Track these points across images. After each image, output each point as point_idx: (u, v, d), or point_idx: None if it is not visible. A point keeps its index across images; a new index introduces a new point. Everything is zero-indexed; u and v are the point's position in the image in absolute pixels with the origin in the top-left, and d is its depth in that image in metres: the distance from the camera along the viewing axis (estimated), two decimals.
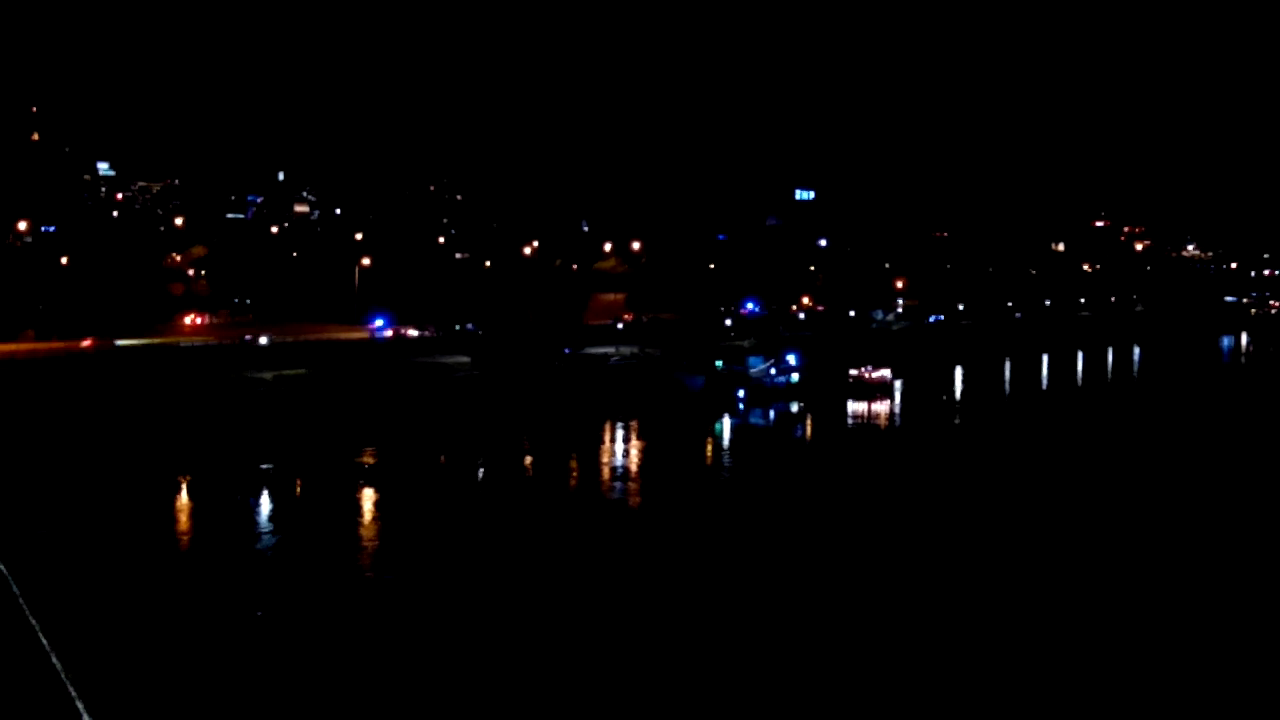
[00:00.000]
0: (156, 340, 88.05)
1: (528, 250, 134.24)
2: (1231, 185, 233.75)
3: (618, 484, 55.98)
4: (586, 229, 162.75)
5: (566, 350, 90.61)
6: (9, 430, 56.47)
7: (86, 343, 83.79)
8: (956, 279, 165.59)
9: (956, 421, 79.42)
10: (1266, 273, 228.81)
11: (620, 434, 70.54)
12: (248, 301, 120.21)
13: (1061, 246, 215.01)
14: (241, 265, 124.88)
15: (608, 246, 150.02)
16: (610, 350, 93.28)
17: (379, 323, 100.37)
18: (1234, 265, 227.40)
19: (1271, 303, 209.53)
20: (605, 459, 63.06)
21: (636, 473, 58.94)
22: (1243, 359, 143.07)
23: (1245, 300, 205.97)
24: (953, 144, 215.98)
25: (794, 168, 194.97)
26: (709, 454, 66.28)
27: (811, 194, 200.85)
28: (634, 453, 65.50)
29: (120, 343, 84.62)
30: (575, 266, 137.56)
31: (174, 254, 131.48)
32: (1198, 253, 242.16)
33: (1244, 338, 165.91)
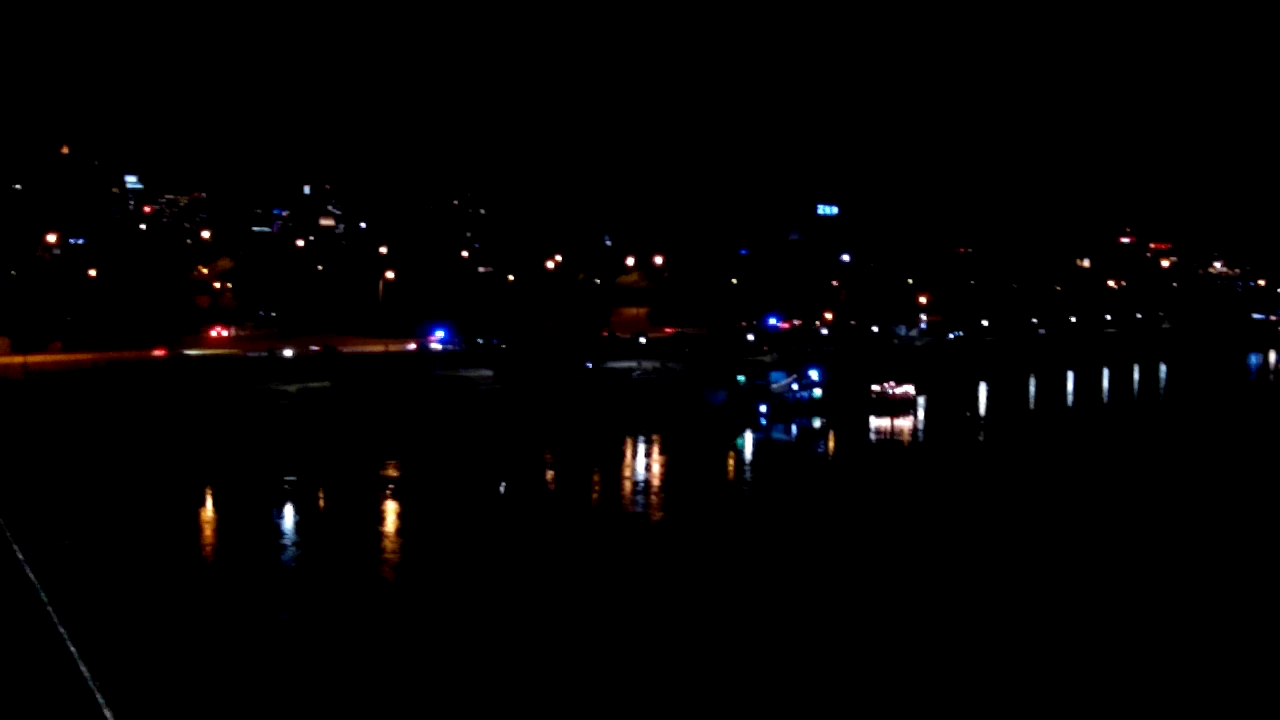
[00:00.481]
0: (203, 351, 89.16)
1: (551, 264, 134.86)
2: (1258, 202, 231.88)
3: (639, 498, 55.90)
4: (609, 243, 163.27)
5: (589, 364, 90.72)
6: (34, 440, 57.29)
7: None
8: (980, 294, 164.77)
9: (980, 438, 78.92)
10: None
11: (642, 448, 70.39)
12: (273, 314, 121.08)
13: (1087, 263, 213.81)
14: (267, 278, 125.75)
15: (630, 261, 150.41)
16: (633, 364, 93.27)
17: (439, 334, 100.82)
18: (1261, 282, 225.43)
19: None
20: (627, 473, 62.88)
21: (658, 487, 58.87)
22: (1271, 377, 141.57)
23: (1273, 317, 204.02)
24: (977, 159, 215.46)
25: (817, 183, 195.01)
26: (730, 469, 66.06)
27: (835, 209, 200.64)
28: (655, 467, 65.33)
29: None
30: (598, 281, 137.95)
31: (200, 267, 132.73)
32: (1224, 270, 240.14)
33: (1272, 355, 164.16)
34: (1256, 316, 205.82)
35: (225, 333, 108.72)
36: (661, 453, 69.01)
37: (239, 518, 48.72)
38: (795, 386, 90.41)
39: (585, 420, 75.29)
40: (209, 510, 50.51)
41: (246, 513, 49.31)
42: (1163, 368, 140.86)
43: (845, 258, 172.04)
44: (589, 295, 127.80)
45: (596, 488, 58.20)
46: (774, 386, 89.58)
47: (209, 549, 44.78)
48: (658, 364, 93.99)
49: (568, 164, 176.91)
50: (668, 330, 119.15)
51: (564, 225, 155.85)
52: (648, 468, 65.42)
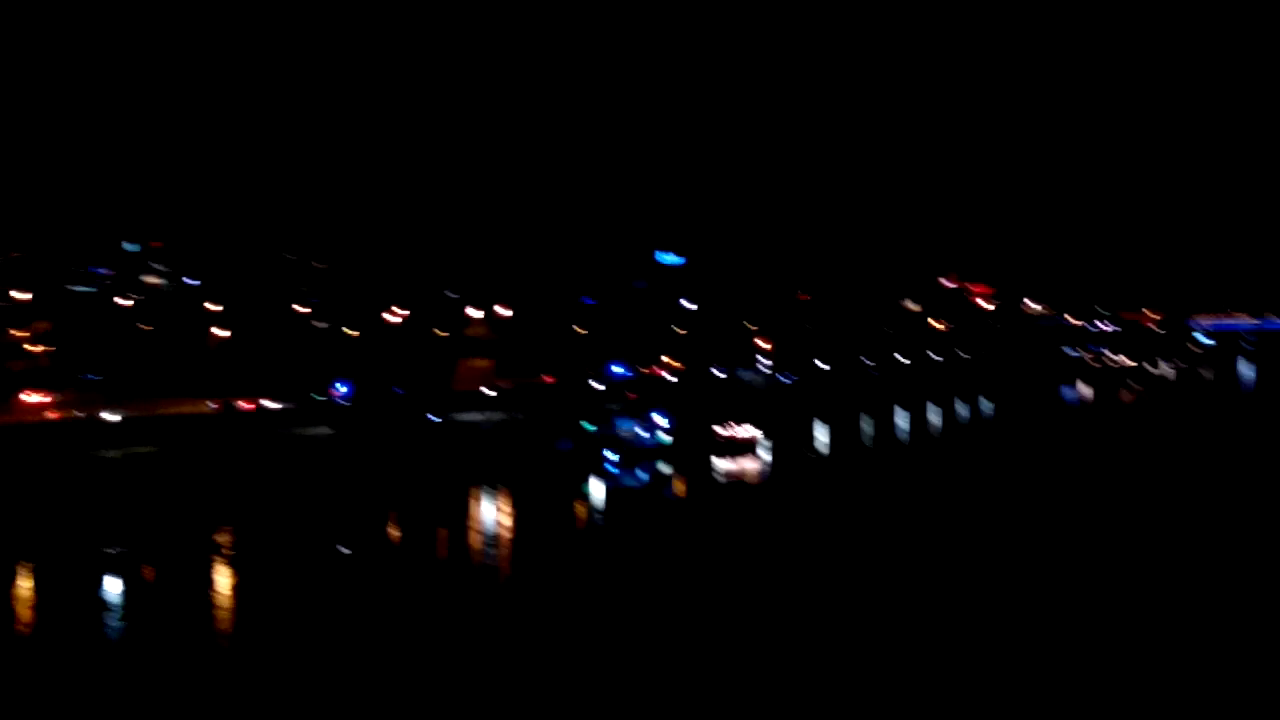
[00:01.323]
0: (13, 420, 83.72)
1: (393, 318, 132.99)
2: (1069, 246, 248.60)
3: (488, 550, 55.36)
4: (453, 296, 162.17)
5: (434, 417, 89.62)
6: None
7: None
8: (815, 337, 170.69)
9: (821, 474, 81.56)
10: (1102, 327, 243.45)
11: (488, 500, 69.74)
12: (97, 377, 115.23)
13: (915, 305, 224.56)
14: (89, 339, 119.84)
15: (475, 313, 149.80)
16: (479, 415, 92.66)
17: (342, 389, 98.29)
18: (1073, 320, 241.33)
19: (1106, 355, 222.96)
20: (473, 525, 62.68)
21: (507, 539, 58.47)
22: (1084, 406, 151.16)
23: (1082, 352, 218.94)
24: (813, 209, 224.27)
25: (661, 231, 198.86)
26: (579, 516, 66.20)
27: (680, 259, 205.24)
28: (503, 518, 64.90)
29: None
30: (443, 333, 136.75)
31: (14, 330, 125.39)
32: (1040, 309, 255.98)
33: (1081, 387, 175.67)
34: (1069, 351, 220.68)
35: (42, 398, 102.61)
36: (508, 503, 69.13)
37: (57, 592, 46.12)
38: (641, 432, 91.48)
39: (429, 473, 74.61)
40: (23, 586, 47.48)
41: (65, 587, 46.78)
42: (983, 401, 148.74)
43: (688, 304, 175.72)
44: (433, 348, 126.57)
45: (441, 541, 57.55)
46: (620, 433, 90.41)
47: (24, 626, 42.06)
48: (504, 415, 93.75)
49: (408, 217, 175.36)
50: (512, 381, 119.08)
51: (405, 279, 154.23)
52: (495, 519, 65.23)
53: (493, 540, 57.72)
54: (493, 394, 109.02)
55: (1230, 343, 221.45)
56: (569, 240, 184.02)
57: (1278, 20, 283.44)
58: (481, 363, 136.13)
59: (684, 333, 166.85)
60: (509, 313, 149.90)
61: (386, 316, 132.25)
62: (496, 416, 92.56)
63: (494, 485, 72.42)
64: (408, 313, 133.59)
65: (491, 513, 66.69)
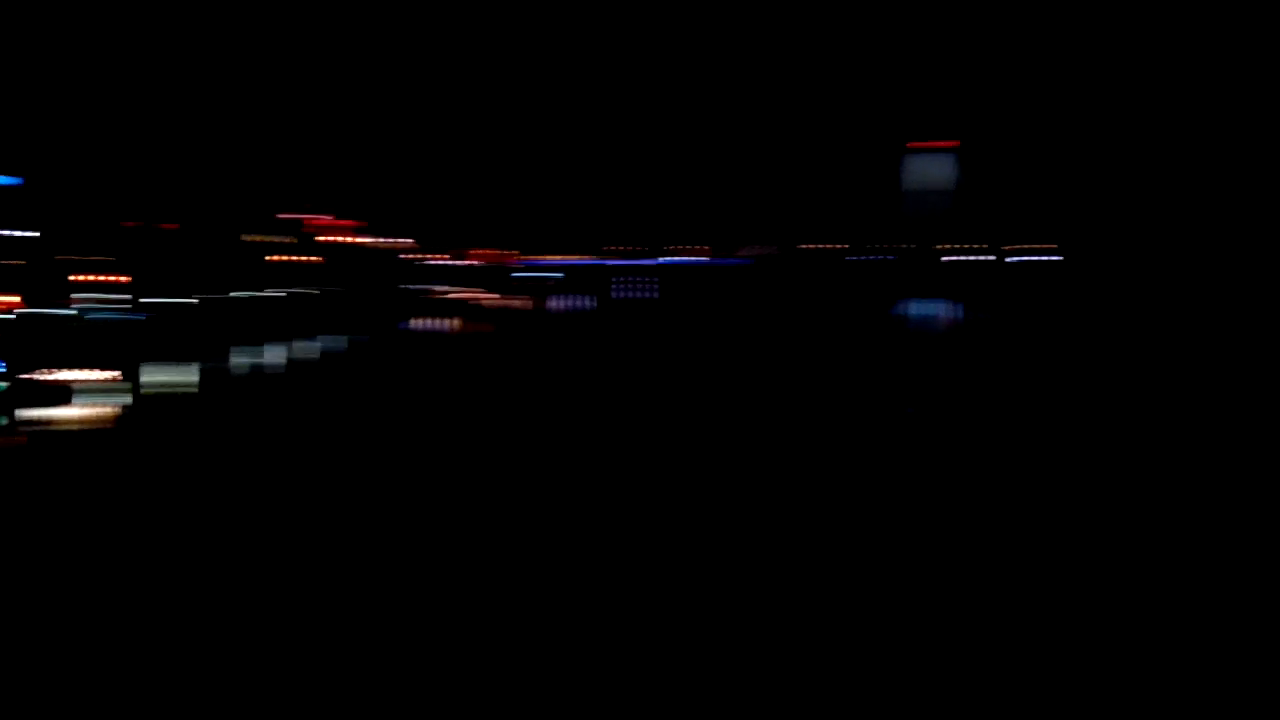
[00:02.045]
0: None
1: None
2: (423, 185, 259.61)
3: None
4: None
5: None
6: None
7: None
8: (179, 269, 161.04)
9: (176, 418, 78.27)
10: (438, 261, 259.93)
11: None
12: None
13: (278, 238, 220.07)
14: None
15: None
16: None
17: None
18: (412, 255, 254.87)
19: (445, 289, 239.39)
20: None
21: None
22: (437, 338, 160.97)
23: (423, 286, 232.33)
24: (178, 128, 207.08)
25: None
26: None
27: (14, 179, 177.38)
28: None
29: None
30: None
31: None
32: (379, 241, 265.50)
33: (431, 320, 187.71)
34: (410, 287, 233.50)
35: None
36: None
37: None
38: None
39: None
40: None
41: None
42: (345, 337, 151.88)
43: (22, 233, 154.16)
44: None
45: None
46: None
47: None
48: None
49: None
50: None
51: None
52: None
53: None
54: None
55: (540, 280, 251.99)
56: None
57: None
58: None
59: (19, 264, 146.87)
60: None
61: None
62: None
63: None
64: None
65: None
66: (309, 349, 72.66)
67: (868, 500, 19.69)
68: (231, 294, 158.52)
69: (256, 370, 51.77)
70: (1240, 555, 16.22)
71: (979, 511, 18.79)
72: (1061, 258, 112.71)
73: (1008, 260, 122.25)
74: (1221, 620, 13.41)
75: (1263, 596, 14.36)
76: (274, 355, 66.38)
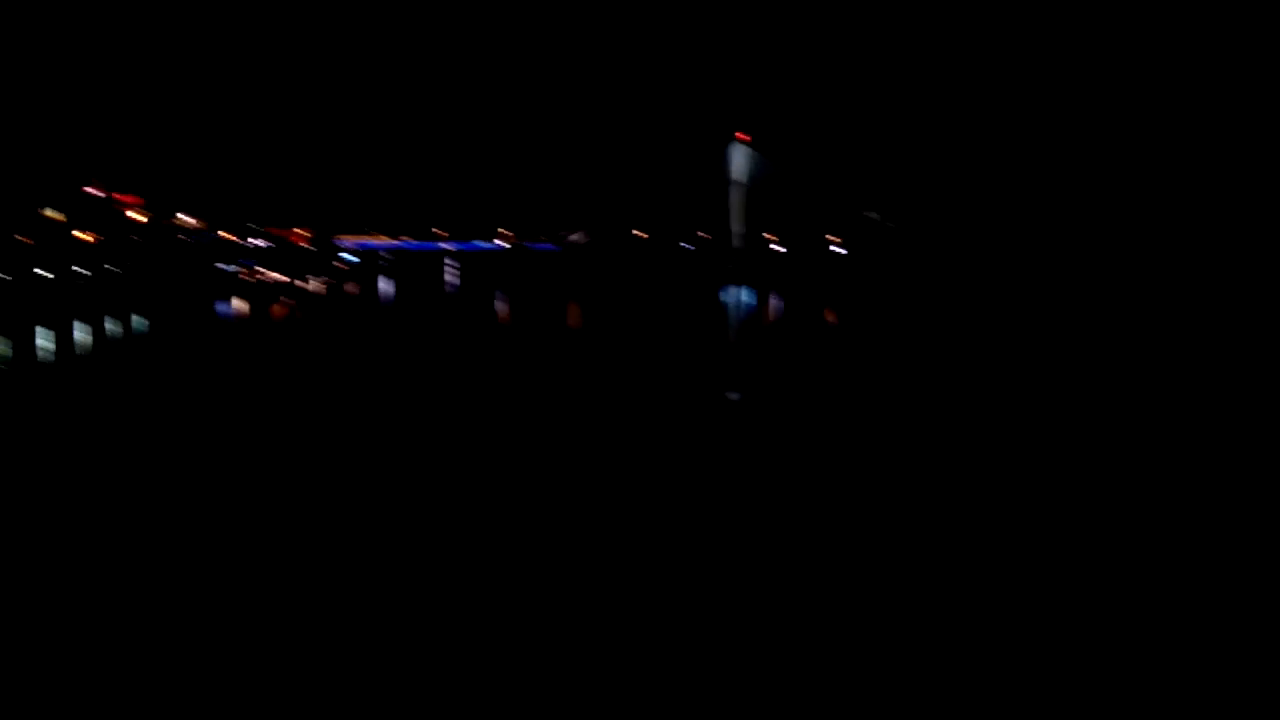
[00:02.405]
0: None
1: None
2: (221, 159, 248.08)
3: None
4: None
5: None
6: None
7: None
8: None
9: None
10: (254, 243, 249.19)
11: None
12: None
13: (58, 215, 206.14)
14: None
15: None
16: None
17: None
18: (225, 235, 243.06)
19: (259, 270, 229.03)
20: None
21: None
22: (239, 321, 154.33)
23: (236, 268, 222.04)
24: None
25: None
26: None
27: None
28: None
29: None
30: None
31: None
32: (191, 221, 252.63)
33: (235, 302, 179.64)
34: (222, 267, 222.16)
35: None
36: None
37: None
38: None
39: None
40: None
41: None
42: (135, 318, 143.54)
43: None
44: None
45: None
46: None
47: None
48: None
49: None
50: None
51: None
52: None
53: None
54: None
55: (371, 261, 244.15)
56: None
57: None
58: None
59: None
60: None
61: None
62: None
63: None
64: None
65: None
66: (113, 332, 67.89)
67: (681, 487, 19.16)
68: (35, 271, 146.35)
69: (62, 352, 47.78)
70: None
71: (802, 496, 18.52)
72: (885, 247, 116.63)
73: (825, 250, 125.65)
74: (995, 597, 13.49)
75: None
76: (81, 336, 61.52)
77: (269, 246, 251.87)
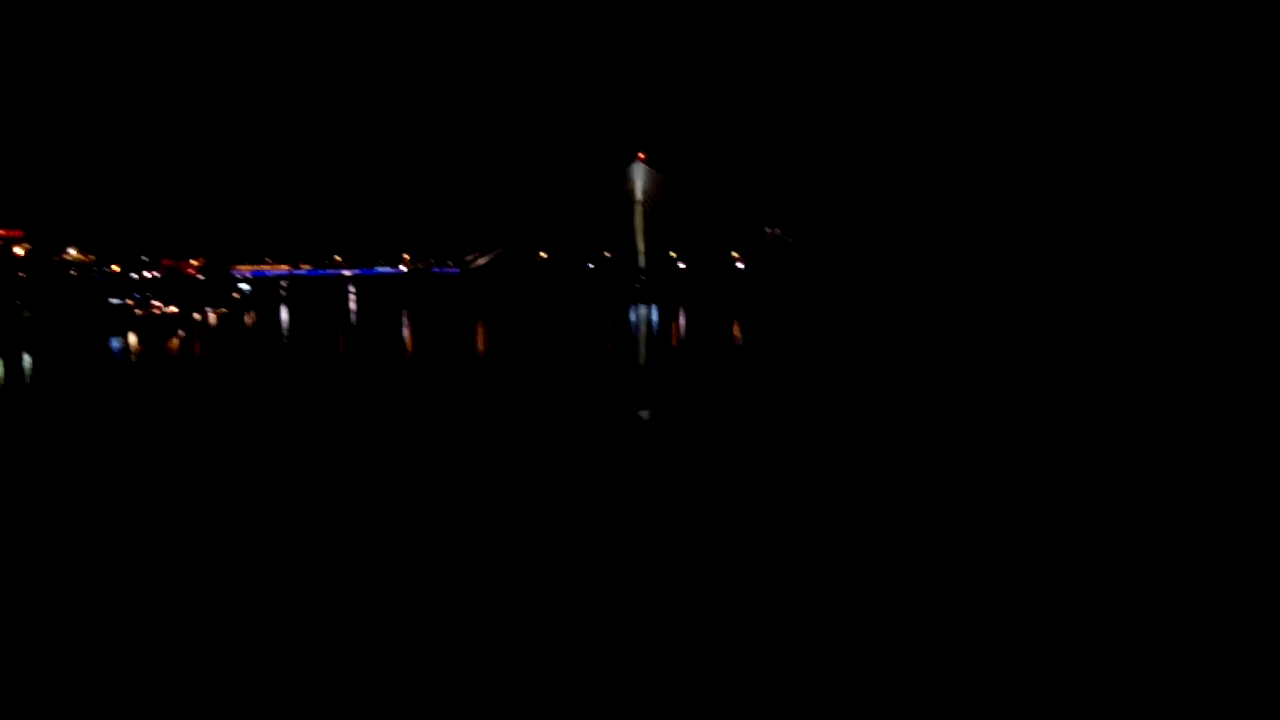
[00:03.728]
0: None
1: None
2: (103, 191, 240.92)
3: None
4: None
5: None
6: None
7: None
8: None
9: None
10: (148, 275, 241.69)
11: None
12: None
13: None
14: None
15: None
16: None
17: None
18: (115, 268, 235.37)
19: (154, 304, 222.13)
20: None
21: None
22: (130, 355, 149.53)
23: (130, 301, 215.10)
24: None
25: None
26: None
27: None
28: None
29: None
30: None
31: None
32: (79, 256, 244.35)
33: (131, 337, 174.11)
34: (114, 301, 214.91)
35: None
36: None
37: None
38: None
39: None
40: None
41: None
42: (27, 357, 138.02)
43: None
44: None
45: None
46: None
47: None
48: None
49: None
50: None
51: None
52: None
53: None
54: None
55: (270, 289, 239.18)
56: None
57: None
58: None
59: None
60: None
61: None
62: None
63: None
64: None
65: None
66: None
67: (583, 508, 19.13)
68: None
69: None
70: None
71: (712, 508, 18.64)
72: (786, 262, 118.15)
73: (728, 266, 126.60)
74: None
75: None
76: None
77: (157, 277, 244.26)
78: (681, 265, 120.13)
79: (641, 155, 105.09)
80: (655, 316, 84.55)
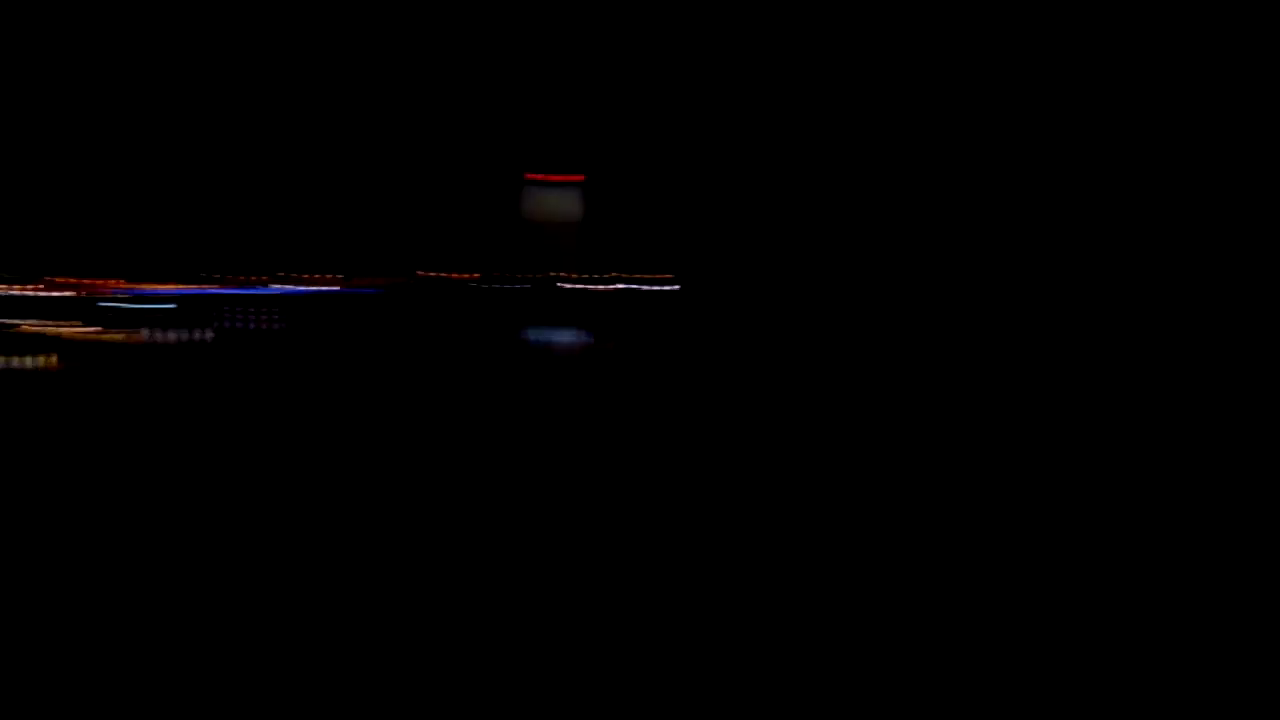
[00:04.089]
0: None
1: None
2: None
3: None
4: None
5: None
6: None
7: None
8: None
9: None
10: (32, 290, 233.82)
11: None
12: None
13: None
14: None
15: None
16: None
17: None
18: None
19: (17, 323, 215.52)
20: None
21: None
22: None
23: (7, 320, 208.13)
24: None
25: None
26: None
27: None
28: None
29: None
30: None
31: None
32: None
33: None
34: None
35: None
36: None
37: None
38: None
39: None
40: None
41: None
42: None
43: None
44: None
45: None
46: None
47: None
48: None
49: None
50: None
51: None
52: None
53: None
54: None
55: (167, 308, 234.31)
56: None
57: None
58: None
59: None
60: None
61: None
62: None
63: None
64: None
65: None
66: None
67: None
68: None
69: None
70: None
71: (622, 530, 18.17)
72: (679, 287, 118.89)
73: (629, 289, 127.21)
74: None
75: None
76: None
77: (42, 296, 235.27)
78: (591, 287, 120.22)
79: (553, 176, 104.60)
80: (566, 339, 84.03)
